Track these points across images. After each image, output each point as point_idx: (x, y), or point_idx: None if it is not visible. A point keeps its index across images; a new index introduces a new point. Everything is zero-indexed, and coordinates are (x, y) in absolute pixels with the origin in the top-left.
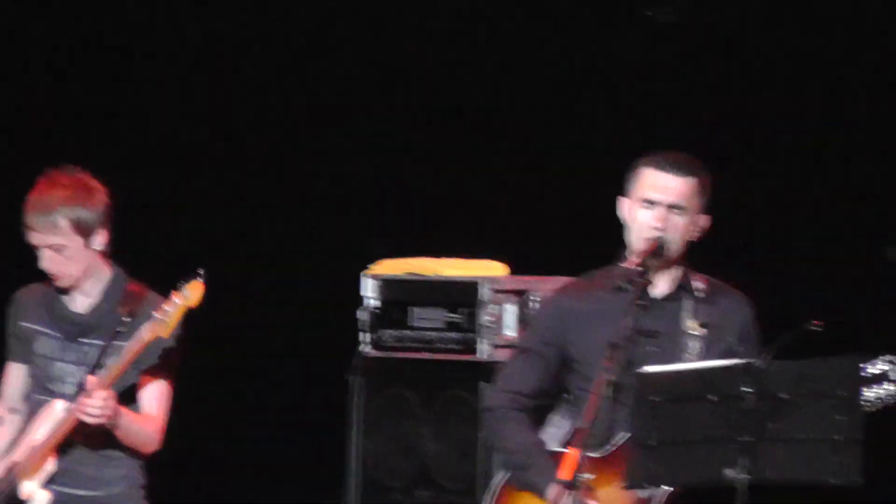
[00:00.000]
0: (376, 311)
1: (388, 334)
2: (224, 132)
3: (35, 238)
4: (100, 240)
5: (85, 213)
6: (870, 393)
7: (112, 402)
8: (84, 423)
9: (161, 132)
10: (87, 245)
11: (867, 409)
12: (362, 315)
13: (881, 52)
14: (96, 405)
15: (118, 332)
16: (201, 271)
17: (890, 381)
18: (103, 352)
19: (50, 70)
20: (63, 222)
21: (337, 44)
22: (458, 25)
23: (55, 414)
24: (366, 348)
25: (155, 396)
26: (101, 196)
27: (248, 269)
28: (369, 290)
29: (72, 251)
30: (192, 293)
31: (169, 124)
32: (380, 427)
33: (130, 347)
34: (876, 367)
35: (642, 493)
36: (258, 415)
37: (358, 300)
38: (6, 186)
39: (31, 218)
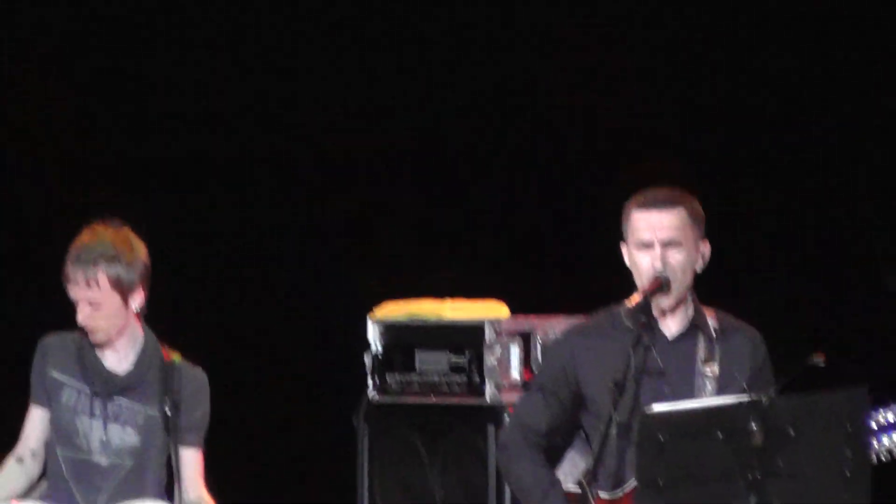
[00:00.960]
0: (380, 355)
1: (394, 378)
2: (226, 171)
3: (73, 291)
4: (138, 300)
5: (125, 271)
6: (886, 440)
7: None
8: None
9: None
10: (126, 304)
11: (884, 457)
12: (368, 359)
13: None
14: None
15: (163, 410)
16: None
17: None
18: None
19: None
20: (102, 278)
21: (335, 89)
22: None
23: None
24: (372, 393)
25: (199, 474)
26: (142, 254)
27: (253, 313)
28: (373, 335)
29: (109, 309)
30: None
31: (169, 162)
32: (387, 471)
33: None
34: (890, 413)
35: None
36: (267, 460)
37: (365, 343)
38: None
39: (72, 270)
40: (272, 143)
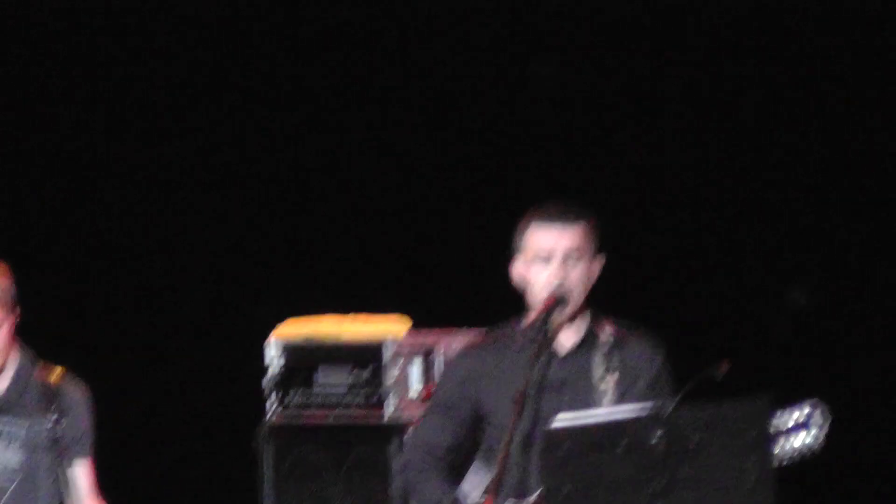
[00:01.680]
0: (281, 374)
1: (294, 397)
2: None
3: None
4: (7, 324)
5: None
6: (787, 444)
7: None
8: None
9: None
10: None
11: (786, 461)
12: (267, 379)
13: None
14: None
15: (48, 430)
16: None
17: (810, 427)
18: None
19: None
20: None
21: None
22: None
23: None
24: (272, 413)
25: (91, 485)
26: (3, 279)
27: (152, 338)
28: (274, 353)
29: None
30: None
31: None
32: (291, 491)
33: None
34: (794, 415)
35: None
36: (170, 485)
37: (262, 365)
38: None
39: None
40: (166, 160)
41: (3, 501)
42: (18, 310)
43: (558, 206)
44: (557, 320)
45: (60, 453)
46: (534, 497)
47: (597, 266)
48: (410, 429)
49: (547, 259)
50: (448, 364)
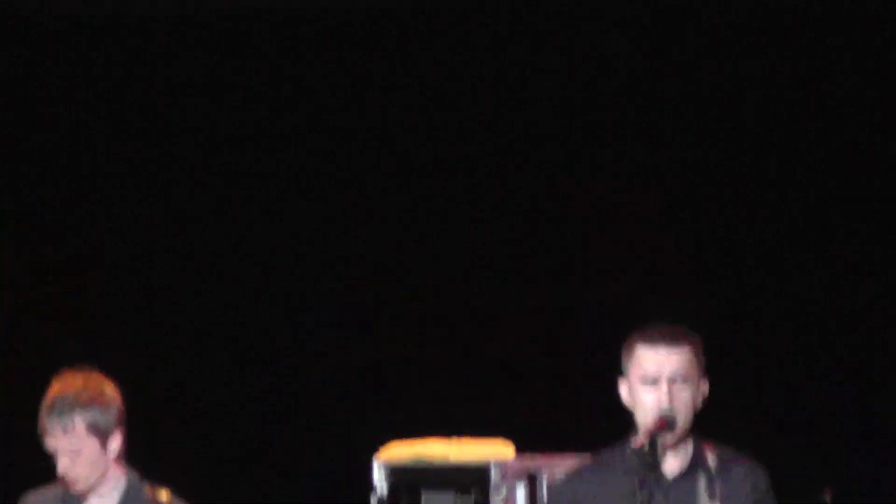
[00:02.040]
0: (386, 497)
1: None
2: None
3: (51, 442)
4: (116, 443)
5: (101, 415)
6: None
7: None
8: None
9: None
10: (104, 448)
11: None
12: (373, 501)
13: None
14: None
15: None
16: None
17: None
18: None
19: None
20: (80, 425)
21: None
22: None
23: None
24: None
25: None
26: (114, 396)
27: (255, 453)
28: (379, 476)
29: (88, 455)
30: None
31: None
32: None
33: None
34: None
35: None
36: None
37: (369, 485)
38: None
39: (48, 421)
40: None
41: None
42: (123, 429)
43: (665, 329)
44: (664, 444)
45: None
46: None
47: (703, 388)
48: None
49: (654, 382)
50: (554, 488)
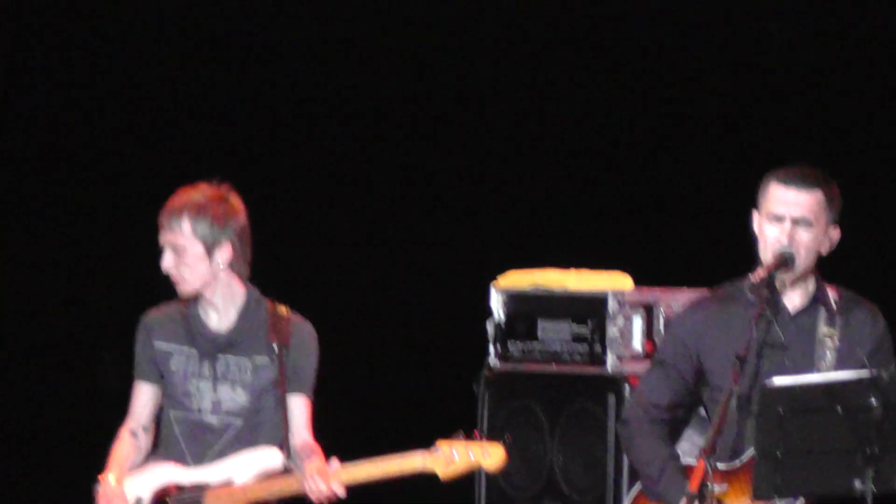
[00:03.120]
0: (503, 323)
1: (515, 347)
2: (342, 150)
3: (161, 236)
4: (223, 256)
5: (209, 225)
6: None
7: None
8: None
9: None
10: (209, 256)
11: None
12: (490, 327)
13: None
14: (327, 494)
15: (272, 358)
16: (508, 440)
17: None
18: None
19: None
20: (186, 226)
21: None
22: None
23: (267, 461)
24: (493, 360)
25: (307, 421)
26: (234, 214)
27: (377, 280)
28: (497, 303)
29: (191, 258)
30: (491, 457)
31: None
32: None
33: (395, 465)
34: None
35: None
36: (383, 426)
37: (486, 311)
38: None
39: (162, 216)
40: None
41: (228, 440)
42: (239, 245)
43: (802, 169)
44: (783, 281)
45: (282, 383)
46: (745, 458)
47: (832, 235)
48: (633, 385)
49: (779, 220)
50: (672, 321)
